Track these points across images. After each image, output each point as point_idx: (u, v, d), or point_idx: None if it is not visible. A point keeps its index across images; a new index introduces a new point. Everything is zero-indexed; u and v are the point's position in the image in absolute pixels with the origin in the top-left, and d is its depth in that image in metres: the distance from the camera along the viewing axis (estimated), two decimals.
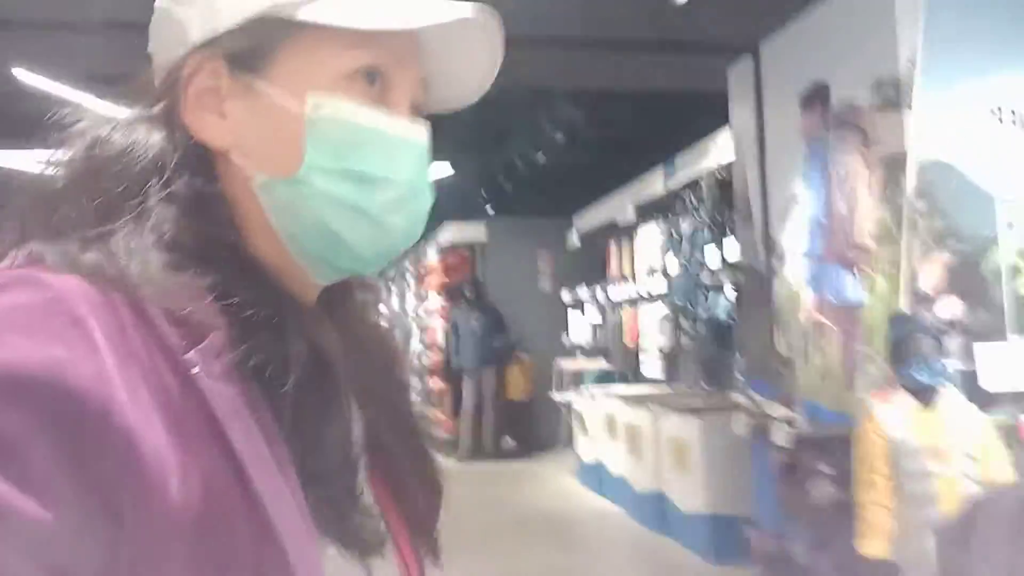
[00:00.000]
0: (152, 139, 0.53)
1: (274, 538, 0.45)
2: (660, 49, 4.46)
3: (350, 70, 0.53)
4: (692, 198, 5.88)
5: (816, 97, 3.62)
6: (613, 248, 8.00)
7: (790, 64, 3.92)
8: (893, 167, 3.14)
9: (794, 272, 3.88)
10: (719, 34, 4.20)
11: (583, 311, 8.56)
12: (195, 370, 0.44)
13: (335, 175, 0.53)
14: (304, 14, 0.52)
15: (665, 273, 6.40)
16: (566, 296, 8.58)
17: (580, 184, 7.71)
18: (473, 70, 0.61)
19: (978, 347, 3.00)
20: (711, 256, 5.59)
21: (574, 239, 8.54)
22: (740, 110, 4.42)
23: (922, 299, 3.04)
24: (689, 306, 5.85)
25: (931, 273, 3.05)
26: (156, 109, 0.55)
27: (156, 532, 0.41)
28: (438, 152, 0.85)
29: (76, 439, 0.39)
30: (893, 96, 3.13)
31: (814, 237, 3.65)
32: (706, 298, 5.70)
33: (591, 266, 8.35)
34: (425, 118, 0.59)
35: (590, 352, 8.25)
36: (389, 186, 0.54)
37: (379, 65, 0.54)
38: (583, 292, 8.23)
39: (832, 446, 3.04)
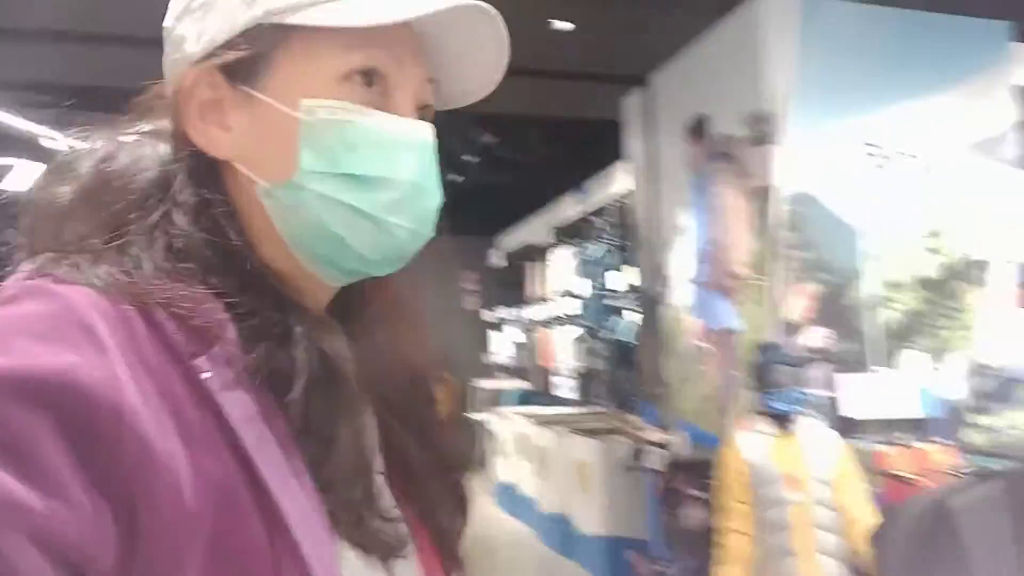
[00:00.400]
0: (158, 153, 0.55)
1: (290, 541, 0.44)
2: (558, 77, 4.54)
3: (345, 72, 0.53)
4: (600, 223, 5.97)
5: (698, 129, 3.73)
6: (530, 270, 8.08)
7: (678, 96, 4.03)
8: (765, 199, 3.25)
9: (680, 298, 3.97)
10: (612, 65, 4.30)
11: (505, 331, 8.59)
12: (205, 375, 0.45)
13: (332, 178, 0.53)
14: (295, 19, 0.53)
15: (577, 295, 6.48)
16: (488, 316, 8.60)
17: (503, 205, 7.77)
18: (480, 64, 0.60)
19: (840, 376, 3.11)
20: (617, 280, 5.68)
21: (497, 259, 8.58)
22: (634, 140, 4.52)
23: (791, 328, 3.14)
24: (598, 328, 5.93)
25: (799, 303, 3.15)
26: (161, 124, 0.56)
27: (171, 536, 0.41)
28: None
29: (90, 442, 0.39)
30: (765, 131, 3.24)
31: (699, 265, 3.74)
32: (613, 321, 5.78)
33: (514, 286, 8.40)
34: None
35: (512, 372, 8.28)
36: (389, 187, 0.54)
37: (375, 66, 0.54)
38: (505, 312, 8.26)
39: (705, 470, 3.10)
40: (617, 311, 5.71)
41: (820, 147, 3.21)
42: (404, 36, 0.55)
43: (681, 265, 3.96)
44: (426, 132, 0.56)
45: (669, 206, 4.12)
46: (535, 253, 7.82)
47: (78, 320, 0.42)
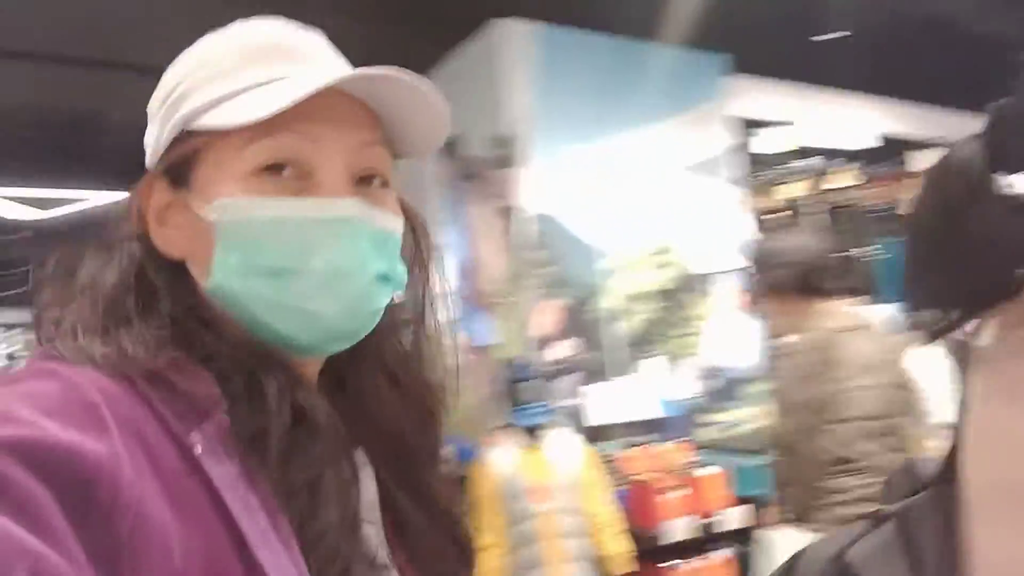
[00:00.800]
0: (137, 252, 0.59)
1: None
2: None
3: (253, 168, 0.55)
4: None
5: (449, 149, 3.77)
6: None
7: None
8: (509, 219, 3.35)
9: (443, 313, 3.98)
10: None
11: None
12: (197, 450, 0.48)
13: (245, 274, 0.55)
14: (201, 122, 0.56)
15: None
16: None
17: None
18: (420, 115, 0.60)
19: (585, 385, 3.27)
20: None
21: None
22: None
23: (541, 342, 3.25)
24: None
25: (547, 318, 3.28)
26: (137, 226, 0.60)
27: None
28: None
29: (88, 511, 0.41)
30: (508, 153, 3.35)
31: (460, 280, 3.78)
32: None
33: None
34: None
35: None
36: (301, 275, 0.55)
37: (280, 156, 0.55)
38: None
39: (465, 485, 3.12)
40: None
41: (560, 170, 3.37)
42: (324, 110, 0.56)
43: (445, 280, 3.97)
44: (346, 207, 0.56)
45: (430, 224, 4.12)
46: None
47: (82, 399, 0.46)
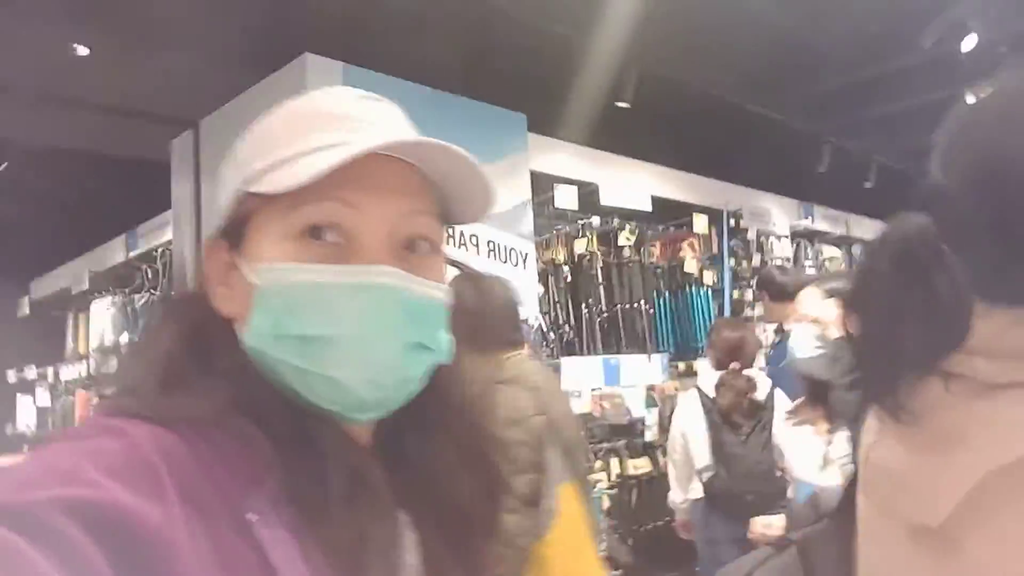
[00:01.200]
0: (198, 311, 0.61)
1: None
2: (109, 112, 4.09)
3: (294, 232, 0.56)
4: (150, 271, 5.43)
5: None
6: (70, 321, 6.99)
7: (227, 145, 3.84)
8: None
9: None
10: (162, 104, 3.99)
11: (34, 394, 7.26)
12: (252, 518, 0.49)
13: (276, 340, 0.55)
14: (254, 187, 0.58)
15: (119, 351, 5.76)
16: (12, 377, 7.21)
17: (39, 248, 6.63)
18: (467, 183, 0.61)
19: None
20: None
21: (23, 308, 7.27)
22: (181, 186, 4.22)
23: None
24: None
25: None
26: (200, 286, 0.62)
27: None
28: None
29: (141, 571, 0.42)
30: None
31: None
32: None
33: (47, 341, 7.16)
34: None
35: (35, 445, 7.00)
36: (328, 344, 0.54)
37: (320, 221, 0.56)
38: (32, 372, 6.99)
39: None
40: None
41: None
42: (369, 177, 0.56)
43: None
44: (381, 274, 0.55)
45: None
46: (74, 303, 6.81)
47: (144, 460, 0.47)
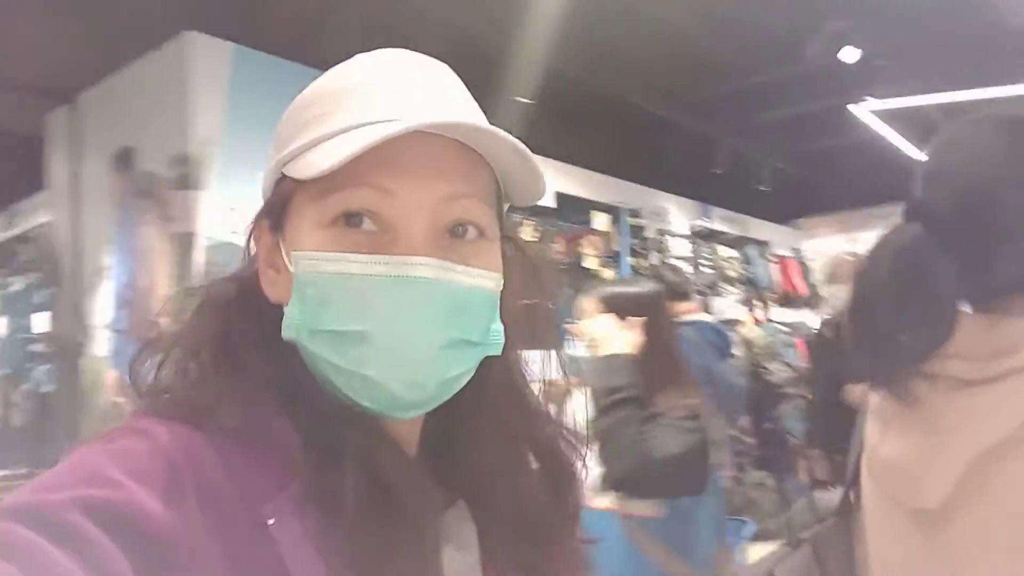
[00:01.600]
0: (245, 296, 0.59)
1: None
2: None
3: (329, 219, 0.52)
4: (28, 252, 5.12)
5: (125, 162, 3.45)
6: None
7: (108, 122, 3.68)
8: (188, 246, 3.13)
9: (102, 347, 3.58)
10: (36, 76, 3.76)
11: None
12: (271, 522, 0.48)
13: (312, 331, 0.53)
14: (288, 167, 0.55)
15: None
16: None
17: None
18: (516, 167, 0.57)
19: None
20: (44, 322, 4.91)
21: None
22: (57, 163, 3.99)
23: None
24: (19, 377, 5.02)
25: None
26: (248, 268, 0.61)
27: None
28: None
29: (159, 572, 0.43)
30: (189, 174, 3.14)
31: (117, 310, 3.42)
32: (39, 369, 4.96)
33: None
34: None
35: None
36: (363, 340, 0.51)
37: (356, 208, 0.52)
38: None
39: None
40: (42, 356, 4.93)
41: (247, 197, 3.23)
42: (408, 158, 0.52)
43: (105, 310, 3.57)
44: (419, 267, 0.51)
45: (95, 242, 3.71)
46: None
47: (167, 462, 0.47)
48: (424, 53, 0.60)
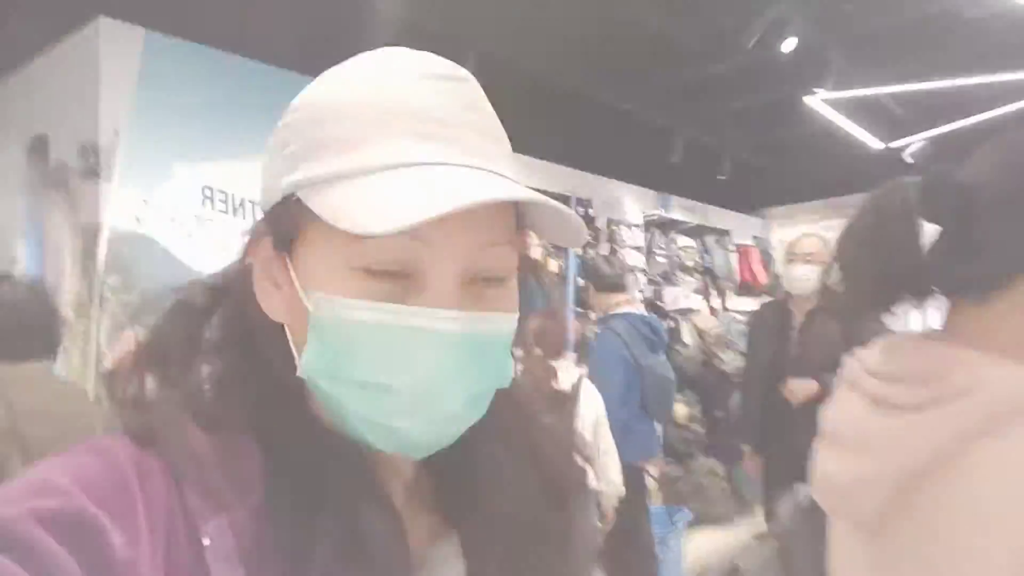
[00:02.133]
0: (225, 302, 0.58)
1: None
2: None
3: (358, 264, 0.49)
4: None
5: (37, 151, 3.34)
6: None
7: (20, 109, 3.57)
8: (94, 237, 3.04)
9: None
10: None
11: None
12: (205, 542, 0.47)
13: (333, 377, 0.51)
14: (310, 200, 0.50)
15: None
16: None
17: None
18: (557, 226, 0.54)
19: None
20: None
21: None
22: None
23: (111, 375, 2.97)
24: None
25: (123, 347, 3.01)
26: (239, 276, 0.58)
27: None
28: None
29: None
30: (96, 164, 3.04)
31: None
32: None
33: None
34: None
35: None
36: (390, 393, 0.50)
37: (389, 259, 0.49)
38: None
39: None
40: None
41: (161, 188, 3.13)
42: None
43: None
44: (449, 321, 0.49)
45: (8, 234, 3.61)
46: None
47: (119, 476, 0.47)
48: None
